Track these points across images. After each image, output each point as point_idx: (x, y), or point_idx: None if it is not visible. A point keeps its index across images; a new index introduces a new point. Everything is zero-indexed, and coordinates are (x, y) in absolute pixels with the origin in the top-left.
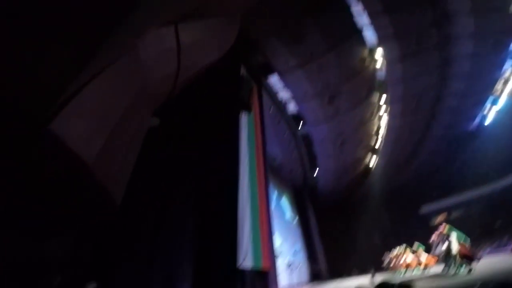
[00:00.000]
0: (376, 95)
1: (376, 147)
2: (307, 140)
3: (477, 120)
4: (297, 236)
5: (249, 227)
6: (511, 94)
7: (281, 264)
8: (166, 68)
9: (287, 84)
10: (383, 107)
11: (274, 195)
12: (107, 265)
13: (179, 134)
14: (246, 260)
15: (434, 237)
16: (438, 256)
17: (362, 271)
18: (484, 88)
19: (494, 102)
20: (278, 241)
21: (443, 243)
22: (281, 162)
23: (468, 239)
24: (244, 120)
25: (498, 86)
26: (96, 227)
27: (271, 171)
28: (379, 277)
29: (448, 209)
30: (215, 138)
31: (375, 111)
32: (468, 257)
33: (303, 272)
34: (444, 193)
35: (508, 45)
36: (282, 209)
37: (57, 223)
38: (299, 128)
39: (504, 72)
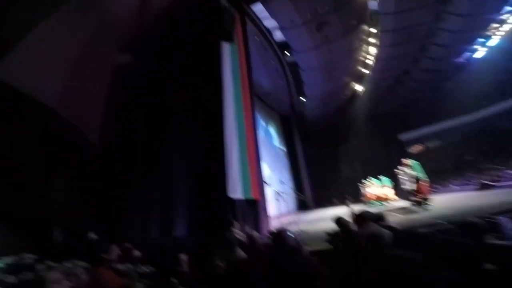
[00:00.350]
0: (367, 25)
1: (363, 75)
2: (295, 68)
3: (466, 54)
4: (285, 166)
5: (237, 157)
6: (504, 36)
7: (269, 194)
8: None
9: (272, 12)
10: (373, 37)
11: (261, 124)
12: (105, 215)
13: (157, 69)
14: (236, 190)
15: (399, 171)
16: (401, 191)
17: (342, 201)
18: (479, 27)
19: (487, 40)
20: (266, 171)
21: (405, 178)
22: (268, 90)
23: (426, 177)
24: (227, 50)
25: (493, 26)
26: (89, 178)
27: (258, 100)
28: (356, 208)
29: (426, 138)
30: (196, 71)
31: (364, 40)
32: (423, 195)
33: (290, 202)
34: (424, 122)
35: None
36: (270, 138)
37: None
38: (287, 56)
39: (501, 15)
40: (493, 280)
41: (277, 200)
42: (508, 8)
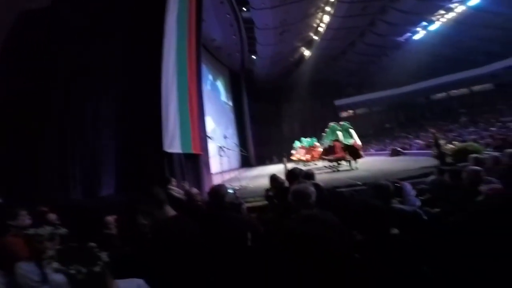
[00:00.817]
0: None
1: (313, 41)
2: (249, 25)
3: (407, 35)
4: (230, 121)
5: (176, 109)
6: (445, 23)
7: (213, 149)
8: None
9: None
10: (330, 6)
11: (209, 78)
12: (11, 174)
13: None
14: (173, 144)
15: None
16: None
17: (281, 159)
18: (428, 11)
19: (429, 24)
20: (210, 125)
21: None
22: (220, 44)
23: (348, 140)
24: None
25: (440, 12)
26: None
27: (207, 53)
28: (290, 166)
29: (356, 106)
30: (134, 15)
31: (321, 7)
32: (336, 156)
33: (233, 158)
34: (356, 91)
35: None
36: (217, 92)
37: None
38: (244, 12)
39: (451, 3)
40: (398, 244)
41: (220, 155)
42: None
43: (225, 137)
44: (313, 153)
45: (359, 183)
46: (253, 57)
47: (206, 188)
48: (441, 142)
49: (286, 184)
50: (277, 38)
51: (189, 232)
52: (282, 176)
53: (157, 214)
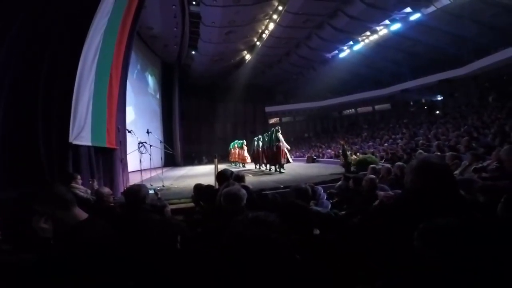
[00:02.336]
0: (276, 1)
1: (255, 46)
2: (195, 19)
3: (335, 51)
4: (156, 115)
5: (90, 97)
6: (367, 44)
7: (132, 144)
8: None
9: None
10: (277, 15)
11: (137, 67)
12: None
13: None
14: (82, 135)
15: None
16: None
17: (211, 159)
18: (356, 31)
19: (354, 44)
20: (131, 116)
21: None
22: (157, 34)
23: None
24: None
25: (366, 34)
26: None
27: (141, 41)
28: (222, 167)
29: (282, 113)
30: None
31: (269, 14)
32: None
33: (157, 155)
34: (284, 99)
35: (398, 11)
36: (144, 83)
37: None
38: (192, 5)
39: (377, 25)
40: (320, 245)
41: (141, 152)
42: (386, 21)
43: (148, 132)
44: (242, 155)
45: (281, 186)
46: (193, 52)
47: (121, 188)
48: (348, 153)
49: (216, 185)
50: (222, 37)
51: (107, 238)
52: (213, 177)
53: (62, 217)
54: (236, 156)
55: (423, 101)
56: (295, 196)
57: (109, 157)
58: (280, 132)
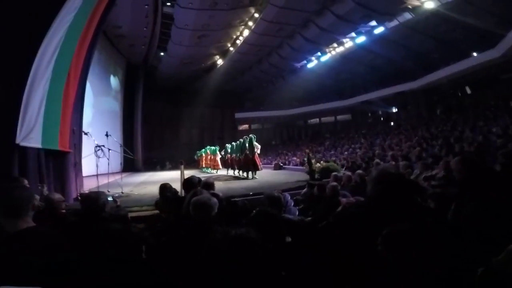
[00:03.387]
0: (253, 8)
1: (228, 51)
2: (167, 20)
3: (304, 61)
4: (116, 117)
5: (43, 97)
6: (333, 56)
7: (88, 147)
8: None
9: None
10: (252, 21)
11: (101, 67)
12: None
13: None
14: (31, 136)
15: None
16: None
17: (174, 165)
18: (325, 42)
19: (322, 55)
20: (88, 117)
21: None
22: (124, 33)
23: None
24: None
25: (333, 45)
26: None
27: (106, 39)
28: (188, 173)
29: (251, 120)
30: None
31: (244, 20)
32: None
33: (115, 160)
34: (253, 107)
35: (364, 24)
36: (105, 83)
37: None
38: (166, 6)
39: (344, 37)
40: (293, 251)
41: (98, 156)
42: (352, 34)
43: (106, 134)
44: (215, 160)
45: (250, 193)
46: (161, 53)
47: (74, 194)
48: (312, 161)
49: (181, 193)
50: (194, 40)
51: (52, 249)
52: (178, 184)
53: (4, 224)
54: (208, 162)
55: (380, 112)
56: (267, 204)
57: (61, 161)
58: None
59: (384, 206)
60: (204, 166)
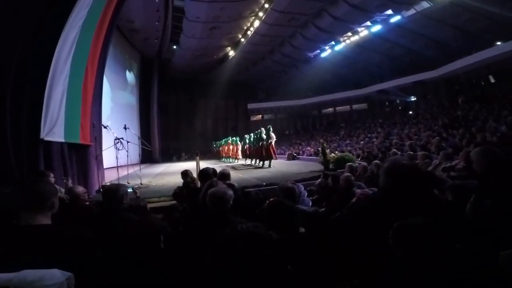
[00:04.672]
0: None
1: (239, 42)
2: (178, 14)
3: (317, 51)
4: (133, 110)
5: (64, 92)
6: (348, 44)
7: (108, 140)
8: None
9: None
10: (262, 12)
11: (115, 60)
12: None
13: None
14: (54, 131)
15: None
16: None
17: (190, 156)
18: (339, 31)
19: (336, 44)
20: (107, 111)
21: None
22: (137, 27)
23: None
24: None
25: (347, 34)
26: None
27: (120, 34)
28: (208, 163)
29: (264, 111)
30: None
31: (255, 11)
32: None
33: (134, 152)
34: (267, 97)
35: (380, 13)
36: (123, 78)
37: None
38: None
39: (359, 26)
40: (306, 242)
41: (117, 148)
42: (368, 23)
43: (125, 127)
44: (236, 151)
45: (263, 183)
46: (174, 46)
47: (96, 186)
48: (327, 151)
49: (198, 184)
50: (206, 33)
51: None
52: (194, 174)
53: (20, 218)
54: (230, 152)
55: (398, 101)
56: (282, 195)
57: (83, 154)
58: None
59: (397, 199)
60: (224, 156)
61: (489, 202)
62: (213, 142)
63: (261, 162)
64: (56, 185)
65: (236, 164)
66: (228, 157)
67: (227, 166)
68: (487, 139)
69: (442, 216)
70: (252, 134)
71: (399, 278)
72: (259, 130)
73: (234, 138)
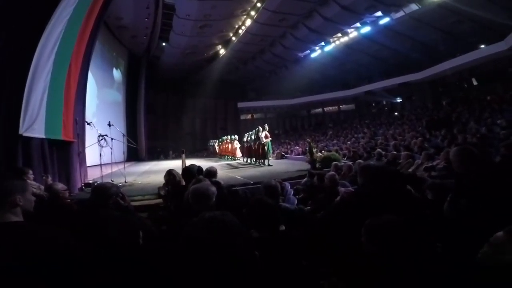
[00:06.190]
0: None
1: (230, 41)
2: (168, 11)
3: (307, 51)
4: (119, 107)
5: (45, 89)
6: (337, 45)
7: (92, 137)
8: None
9: None
10: (254, 11)
11: (102, 57)
12: None
13: None
14: (34, 127)
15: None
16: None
17: (178, 154)
18: (329, 32)
19: (325, 45)
20: (91, 108)
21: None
22: (126, 24)
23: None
24: None
25: (338, 35)
26: None
27: (108, 31)
28: (190, 162)
29: (254, 110)
30: None
31: (246, 10)
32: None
33: (118, 149)
34: (257, 96)
35: (369, 14)
36: (109, 74)
37: None
38: None
39: (349, 27)
40: (286, 240)
41: (101, 146)
42: (357, 24)
43: (109, 124)
44: (234, 149)
45: (251, 182)
46: (163, 44)
47: (79, 183)
48: (314, 150)
49: (182, 182)
50: (196, 31)
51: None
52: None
53: None
54: (229, 150)
55: (384, 102)
56: (264, 193)
57: (65, 151)
58: (266, 130)
59: (371, 198)
60: (222, 154)
61: (464, 201)
62: (210, 140)
63: (258, 160)
64: (35, 182)
65: (234, 162)
66: (227, 155)
67: (226, 164)
68: (467, 140)
69: (420, 214)
70: (250, 133)
71: (373, 275)
72: (257, 129)
73: (232, 136)
